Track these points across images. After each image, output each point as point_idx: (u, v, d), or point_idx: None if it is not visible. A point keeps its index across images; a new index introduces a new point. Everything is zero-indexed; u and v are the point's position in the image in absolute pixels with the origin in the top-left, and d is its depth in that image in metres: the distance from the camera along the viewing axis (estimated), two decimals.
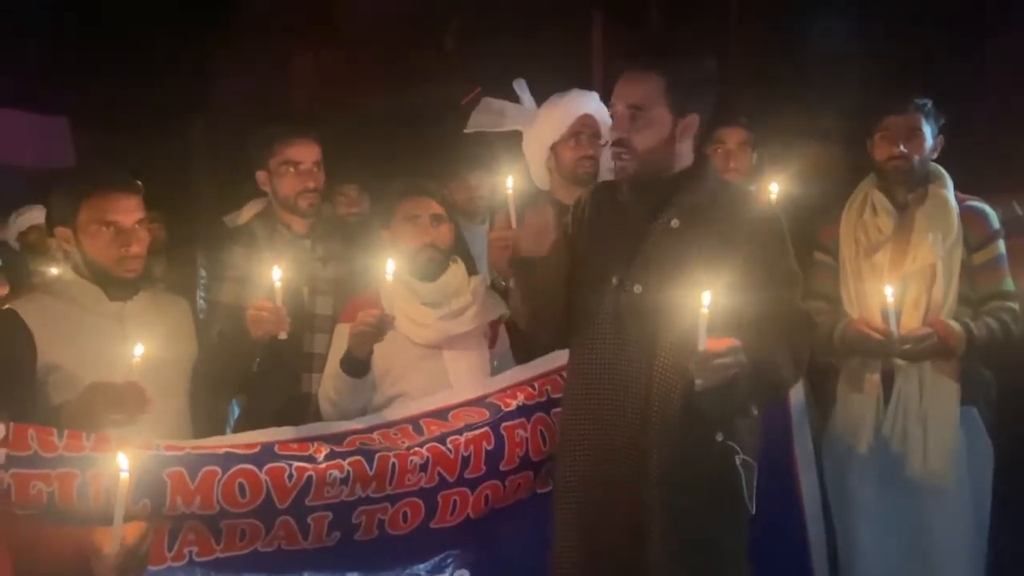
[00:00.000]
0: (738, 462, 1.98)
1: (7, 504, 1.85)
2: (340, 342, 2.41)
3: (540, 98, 2.98)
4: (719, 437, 1.98)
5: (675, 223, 2.03)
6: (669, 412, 1.97)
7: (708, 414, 1.95)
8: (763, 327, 1.94)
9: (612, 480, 2.02)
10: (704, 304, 1.82)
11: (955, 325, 2.47)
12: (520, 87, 2.96)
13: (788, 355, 1.99)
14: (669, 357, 1.98)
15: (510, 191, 2.52)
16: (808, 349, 2.09)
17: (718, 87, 2.08)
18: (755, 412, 2.05)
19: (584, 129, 2.75)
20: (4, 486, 1.87)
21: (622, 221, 2.10)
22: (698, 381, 1.86)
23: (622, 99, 2.02)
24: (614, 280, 2.03)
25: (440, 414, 2.32)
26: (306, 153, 2.68)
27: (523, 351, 2.53)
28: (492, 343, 2.55)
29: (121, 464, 1.57)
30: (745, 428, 2.03)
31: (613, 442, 2.02)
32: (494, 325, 2.55)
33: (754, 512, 2.00)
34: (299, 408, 2.53)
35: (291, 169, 2.66)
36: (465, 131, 3.07)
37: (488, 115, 2.99)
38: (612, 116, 2.05)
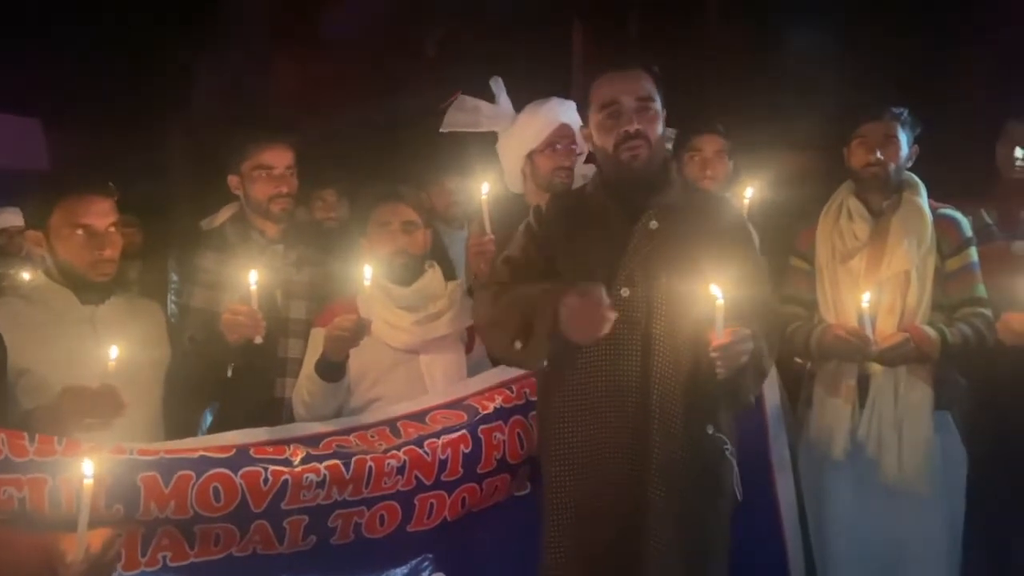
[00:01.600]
0: (728, 453, 2.04)
1: None
2: (316, 346, 2.40)
3: (519, 104, 2.98)
4: (710, 430, 2.03)
5: (654, 224, 2.08)
6: (671, 409, 2.01)
7: (715, 406, 2.01)
8: (745, 320, 1.98)
9: (607, 479, 2.04)
10: (719, 296, 1.87)
11: (930, 330, 2.49)
12: (496, 85, 2.94)
13: (770, 347, 2.08)
14: (666, 355, 2.02)
15: (485, 197, 2.52)
16: (777, 343, 2.18)
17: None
18: (752, 400, 2.10)
19: (561, 139, 2.74)
20: None
21: (599, 226, 2.13)
22: (720, 370, 1.91)
23: (630, 93, 2.09)
24: (600, 282, 2.03)
25: (417, 416, 2.31)
26: (278, 158, 2.67)
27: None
28: (469, 348, 2.55)
29: (86, 470, 1.56)
30: (725, 420, 2.08)
31: (610, 442, 2.04)
32: (471, 330, 2.55)
33: (740, 501, 2.06)
34: (272, 413, 2.51)
35: (263, 173, 2.65)
36: (440, 130, 3.05)
37: (464, 114, 2.96)
38: (615, 113, 2.09)
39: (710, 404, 2.04)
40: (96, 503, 1.93)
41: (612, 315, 1.91)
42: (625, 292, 2.04)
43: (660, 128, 2.12)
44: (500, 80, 2.96)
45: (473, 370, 2.51)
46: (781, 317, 2.55)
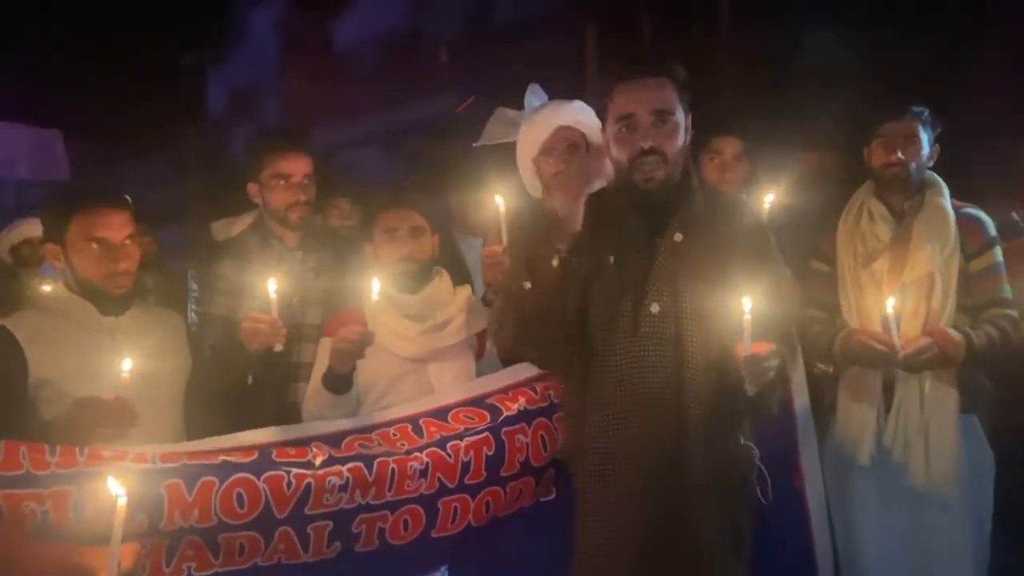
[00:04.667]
0: (756, 459, 2.05)
1: None
2: (323, 356, 2.40)
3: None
4: (742, 440, 2.03)
5: (679, 237, 2.04)
6: (706, 423, 1.99)
7: (744, 418, 2.00)
8: (769, 331, 1.95)
9: (642, 495, 2.00)
10: (746, 310, 1.85)
11: (955, 333, 2.46)
12: (533, 92, 2.83)
13: (788, 353, 2.07)
14: (699, 369, 1.99)
15: (501, 208, 2.50)
16: (797, 347, 2.21)
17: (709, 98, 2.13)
18: (777, 411, 2.09)
19: (559, 143, 2.63)
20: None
21: (624, 236, 2.07)
22: (749, 386, 1.89)
23: (645, 105, 1.99)
24: (629, 299, 2.02)
25: (440, 414, 2.29)
26: (297, 166, 2.68)
27: (510, 363, 2.50)
28: (479, 354, 2.54)
29: (115, 489, 1.54)
30: (752, 430, 2.07)
31: (644, 455, 2.01)
32: (481, 336, 2.54)
33: (768, 503, 2.07)
34: (288, 419, 2.49)
35: (282, 182, 2.67)
36: (476, 144, 3.01)
37: (503, 126, 2.91)
38: (631, 127, 2.01)
39: (740, 414, 2.02)
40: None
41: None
42: (655, 308, 2.01)
43: (680, 142, 2.01)
44: (538, 87, 2.86)
45: (484, 376, 2.49)
46: (803, 321, 2.53)
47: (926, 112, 2.60)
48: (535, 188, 2.78)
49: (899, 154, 2.55)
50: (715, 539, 2.00)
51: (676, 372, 1.99)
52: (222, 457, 2.07)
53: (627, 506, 2.01)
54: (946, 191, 2.62)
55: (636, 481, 2.01)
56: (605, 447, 2.04)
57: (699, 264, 2.00)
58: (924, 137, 2.58)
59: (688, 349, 1.99)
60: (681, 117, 2.03)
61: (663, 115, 1.99)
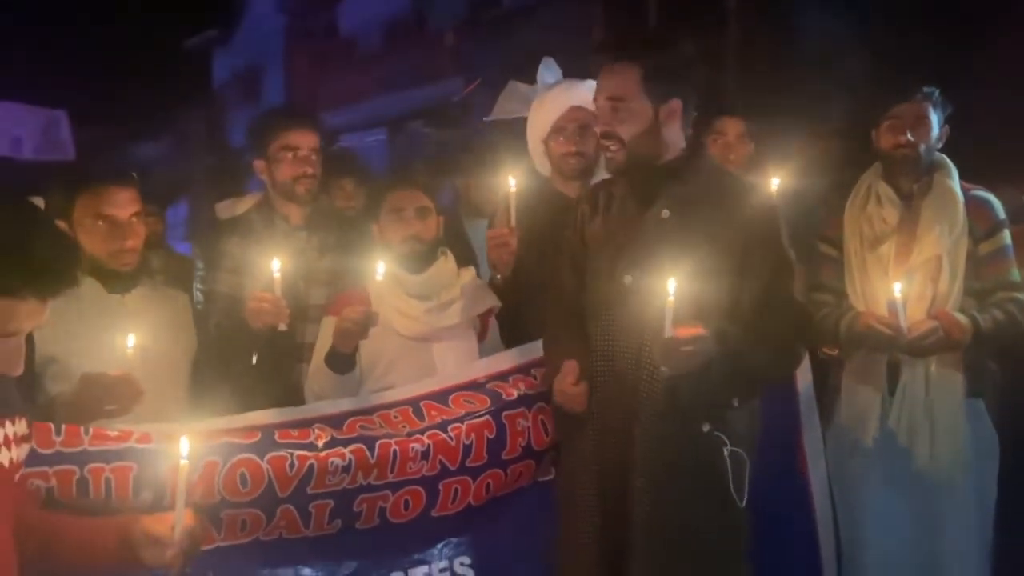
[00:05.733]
0: (726, 453, 1.97)
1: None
2: (326, 335, 2.41)
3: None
4: (705, 427, 1.98)
5: (666, 213, 2.04)
6: (655, 400, 1.99)
7: (686, 403, 1.96)
8: (755, 318, 1.94)
9: (608, 467, 2.05)
10: (670, 292, 1.84)
11: (961, 317, 2.44)
12: (546, 67, 2.81)
13: (778, 346, 2.01)
14: (654, 346, 1.98)
15: (513, 190, 2.48)
16: (804, 340, 2.12)
17: (703, 71, 2.10)
18: (735, 403, 2.02)
19: (569, 124, 2.63)
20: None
21: (616, 216, 2.12)
22: (663, 368, 1.90)
23: (602, 92, 2.07)
24: (607, 270, 2.06)
25: (440, 397, 2.30)
26: (305, 139, 2.67)
27: (513, 344, 2.52)
28: (482, 335, 2.54)
29: (182, 451, 1.57)
30: (737, 419, 2.02)
31: (608, 428, 2.05)
32: (484, 317, 2.54)
33: (743, 505, 1.99)
34: (292, 399, 2.50)
35: (289, 155, 2.65)
36: (487, 119, 2.98)
37: (515, 102, 2.87)
38: (596, 111, 2.09)
39: (709, 400, 1.98)
40: (125, 491, 1.96)
41: (583, 390, 2.02)
42: (628, 279, 2.03)
43: (639, 124, 2.03)
44: (552, 61, 2.84)
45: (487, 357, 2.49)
46: (806, 310, 2.49)
47: (936, 93, 2.57)
48: (544, 167, 2.77)
49: (908, 135, 2.53)
50: (663, 527, 1.98)
51: (637, 344, 2.01)
52: (224, 438, 2.08)
53: (590, 481, 2.06)
54: (955, 173, 2.60)
55: (595, 454, 2.07)
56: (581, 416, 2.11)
57: (684, 243, 1.98)
58: (934, 118, 2.56)
59: (648, 325, 1.96)
60: (641, 102, 2.03)
61: (616, 101, 2.04)
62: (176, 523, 1.54)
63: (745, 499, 1.99)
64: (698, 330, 1.87)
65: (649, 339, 1.97)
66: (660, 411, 1.98)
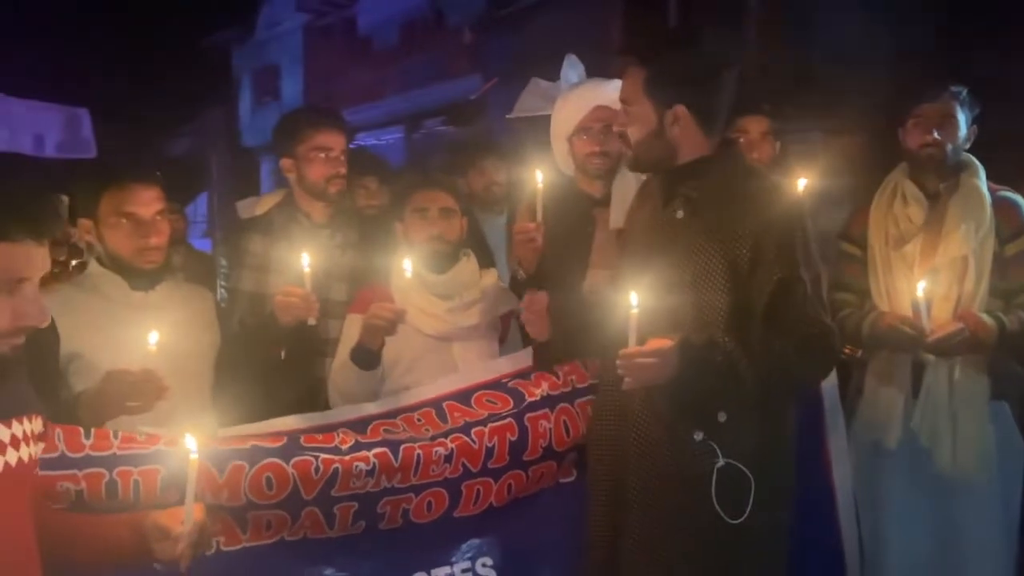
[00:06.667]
0: (716, 465, 1.90)
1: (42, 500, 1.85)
2: (350, 333, 2.42)
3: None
4: (697, 436, 1.93)
5: (680, 214, 2.01)
6: (646, 406, 1.98)
7: (668, 411, 1.95)
8: (761, 330, 1.88)
9: (604, 469, 2.09)
10: (633, 304, 1.81)
11: (987, 318, 2.42)
12: (570, 63, 2.79)
13: (784, 363, 1.88)
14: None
15: (540, 185, 2.47)
16: (819, 360, 1.99)
17: (725, 75, 2.02)
18: (721, 417, 1.92)
19: (595, 123, 2.61)
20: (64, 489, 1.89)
21: (641, 216, 2.14)
22: (626, 379, 1.86)
23: (619, 94, 2.09)
24: (627, 269, 2.05)
25: (463, 397, 2.30)
26: (336, 140, 2.70)
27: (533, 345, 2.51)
28: (503, 337, 2.55)
29: (190, 446, 1.60)
30: (738, 431, 1.92)
31: (617, 434, 2.06)
32: (505, 319, 2.55)
33: (734, 522, 1.89)
34: (314, 395, 2.53)
35: (322, 155, 2.67)
36: (508, 116, 2.97)
37: (537, 99, 2.85)
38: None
39: (705, 408, 1.92)
40: (151, 490, 1.98)
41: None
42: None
43: (643, 128, 2.01)
44: (575, 58, 2.81)
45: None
46: (831, 304, 2.46)
47: (964, 92, 2.55)
48: (567, 165, 2.76)
49: (935, 134, 2.51)
50: (649, 535, 1.96)
51: (638, 344, 1.93)
52: (252, 442, 2.09)
53: (599, 485, 2.09)
54: (982, 173, 2.57)
55: (604, 453, 2.09)
56: (595, 421, 2.15)
57: (695, 245, 1.95)
58: (961, 118, 2.53)
59: (648, 330, 1.89)
60: (644, 106, 2.00)
61: (624, 104, 2.07)
62: (186, 517, 1.56)
63: (742, 516, 1.88)
64: (662, 343, 1.83)
65: (642, 340, 1.92)
66: (652, 417, 1.97)
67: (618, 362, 1.84)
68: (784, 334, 1.87)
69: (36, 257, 1.40)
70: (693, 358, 1.84)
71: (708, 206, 1.98)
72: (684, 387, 1.87)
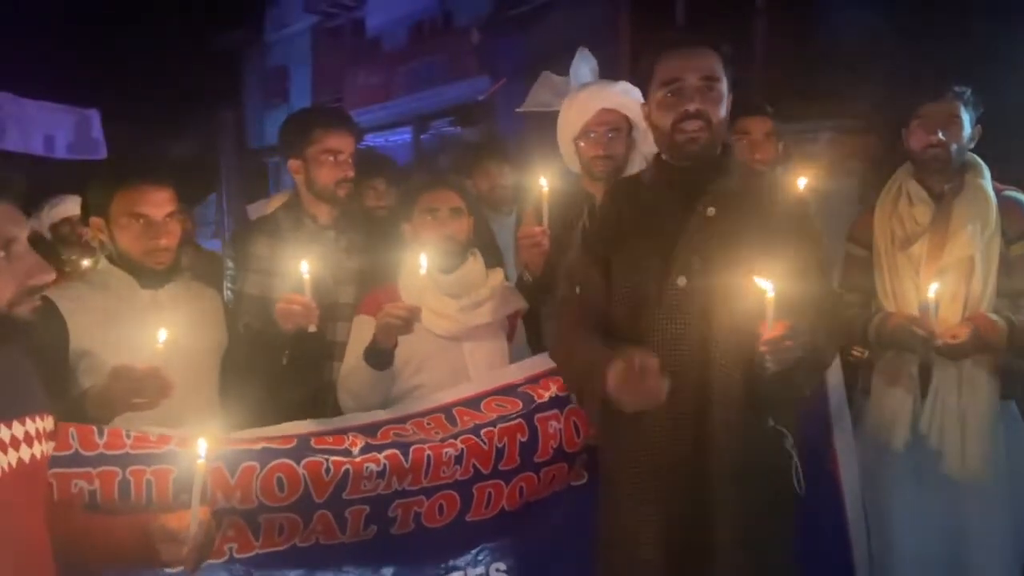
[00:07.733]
0: (788, 445, 1.99)
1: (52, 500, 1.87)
2: (360, 334, 2.42)
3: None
4: (771, 422, 1.98)
5: (711, 211, 2.01)
6: (731, 401, 1.96)
7: (770, 399, 1.95)
8: (804, 311, 1.91)
9: (665, 470, 2.00)
10: (770, 290, 1.80)
11: (996, 318, 2.42)
12: (582, 56, 2.76)
13: (827, 339, 2.01)
14: (727, 346, 1.95)
15: (545, 189, 2.48)
16: (841, 333, 2.13)
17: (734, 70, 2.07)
18: (807, 394, 2.05)
19: (599, 127, 2.62)
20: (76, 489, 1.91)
21: (655, 214, 2.06)
22: (769, 365, 1.84)
23: (695, 72, 1.99)
24: (654, 273, 2.00)
25: (472, 403, 2.31)
26: (345, 143, 2.69)
27: (540, 345, 2.53)
28: (510, 336, 2.55)
29: (200, 451, 1.60)
30: (789, 413, 2.03)
31: (670, 435, 1.99)
32: (512, 318, 2.56)
33: (802, 494, 2.02)
34: (324, 397, 2.54)
35: (331, 158, 2.66)
36: (519, 110, 2.96)
37: (548, 93, 2.83)
38: (677, 91, 2.00)
39: (769, 396, 1.97)
40: (163, 491, 1.99)
41: (665, 384, 1.82)
42: (682, 281, 1.98)
43: (723, 110, 2.01)
44: (587, 52, 2.80)
45: (515, 358, 2.51)
46: (841, 299, 2.49)
47: (968, 92, 2.54)
48: (574, 165, 2.77)
49: (940, 135, 2.50)
50: (738, 525, 1.96)
51: (702, 349, 1.96)
52: (263, 444, 2.10)
53: (652, 490, 2.01)
54: (987, 173, 2.57)
55: (659, 457, 2.00)
56: (629, 422, 2.00)
57: (731, 240, 1.96)
58: (966, 118, 2.53)
59: (715, 326, 1.95)
60: (725, 88, 2.02)
61: (710, 81, 1.99)
62: (192, 520, 1.57)
63: (803, 490, 2.03)
64: (790, 324, 1.84)
65: (719, 340, 1.95)
66: (737, 412, 1.96)
67: (766, 347, 1.82)
68: (827, 311, 1.99)
69: (15, 218, 1.40)
70: (814, 339, 1.90)
71: (734, 203, 2.01)
72: (803, 366, 1.90)
